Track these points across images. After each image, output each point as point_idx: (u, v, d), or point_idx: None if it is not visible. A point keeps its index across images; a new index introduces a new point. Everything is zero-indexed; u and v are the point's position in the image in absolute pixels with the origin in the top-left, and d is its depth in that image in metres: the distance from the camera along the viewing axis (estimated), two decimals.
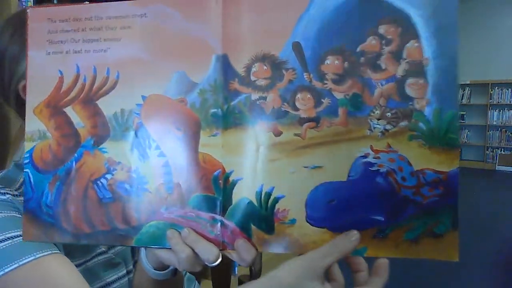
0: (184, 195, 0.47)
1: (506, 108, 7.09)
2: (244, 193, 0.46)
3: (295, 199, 0.45)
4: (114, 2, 0.49)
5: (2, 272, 0.51)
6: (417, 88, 0.43)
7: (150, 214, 0.48)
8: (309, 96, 0.45)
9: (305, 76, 0.45)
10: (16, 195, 0.60)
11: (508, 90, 7.00)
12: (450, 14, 0.43)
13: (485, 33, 6.94)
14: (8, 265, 0.51)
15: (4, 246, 0.53)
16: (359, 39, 0.44)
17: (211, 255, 0.45)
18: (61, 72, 0.50)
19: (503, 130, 7.10)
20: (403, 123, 0.44)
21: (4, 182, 0.62)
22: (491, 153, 7.15)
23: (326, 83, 0.45)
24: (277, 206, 0.46)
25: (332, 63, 0.45)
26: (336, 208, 0.45)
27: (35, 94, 0.50)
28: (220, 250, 0.46)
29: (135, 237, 0.48)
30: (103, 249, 0.66)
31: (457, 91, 0.44)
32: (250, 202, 0.46)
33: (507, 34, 6.82)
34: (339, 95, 0.45)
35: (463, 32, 6.80)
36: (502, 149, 7.04)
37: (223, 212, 0.46)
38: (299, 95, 0.45)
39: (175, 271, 0.60)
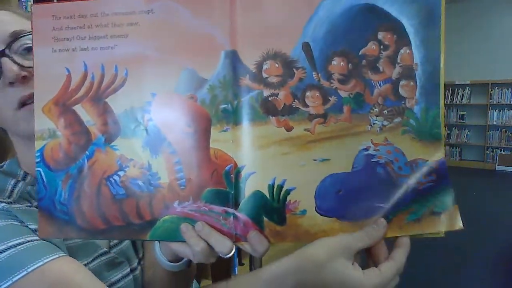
0: (196, 189, 0.48)
1: (506, 108, 7.06)
2: (256, 186, 0.47)
3: (305, 191, 0.47)
4: None
5: (10, 282, 0.49)
6: (408, 89, 0.49)
7: (163, 209, 0.49)
8: (317, 94, 0.48)
9: (314, 75, 0.48)
10: (10, 202, 0.58)
11: (508, 90, 6.97)
12: (434, 26, 0.48)
13: (485, 33, 6.94)
14: (16, 274, 0.49)
15: (8, 255, 0.51)
16: (361, 43, 0.48)
17: (225, 247, 0.47)
18: (68, 70, 0.50)
19: (503, 130, 7.08)
20: (397, 120, 0.49)
21: None
22: (491, 153, 7.13)
23: (333, 83, 0.48)
24: (288, 198, 0.47)
25: (338, 64, 0.48)
26: (343, 198, 0.48)
27: (43, 92, 0.50)
28: (233, 242, 0.48)
29: (149, 231, 0.49)
30: (105, 249, 0.65)
31: (440, 92, 0.49)
32: (262, 195, 0.47)
33: (507, 34, 6.82)
34: (344, 94, 0.48)
35: (463, 33, 6.80)
36: (502, 149, 7.02)
37: (236, 205, 0.48)
38: (308, 93, 0.48)
39: (189, 262, 0.61)
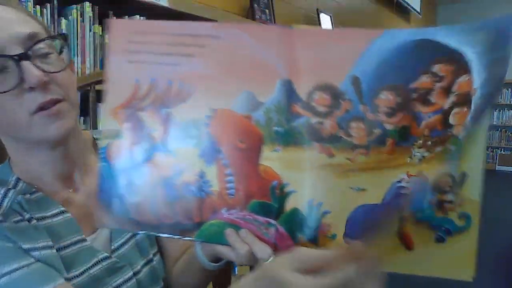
0: (244, 200, 0.53)
1: (506, 108, 7.05)
2: (296, 204, 0.52)
3: (338, 217, 0.51)
4: (193, 22, 0.53)
5: None
6: (459, 116, 0.48)
7: (212, 214, 0.54)
8: (362, 126, 0.50)
9: (360, 108, 0.50)
10: (1, 221, 0.55)
11: (508, 90, 6.96)
12: (505, 48, 0.46)
13: None
14: None
15: (3, 284, 0.50)
16: (412, 77, 0.48)
17: (266, 254, 0.52)
18: (137, 80, 0.54)
19: (503, 130, 7.08)
20: (438, 149, 0.48)
21: None
22: (491, 153, 7.14)
23: (379, 115, 0.49)
24: (322, 220, 0.51)
25: (386, 98, 0.49)
26: (368, 228, 0.49)
27: (113, 97, 0.55)
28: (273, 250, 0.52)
29: (196, 232, 0.55)
30: (106, 254, 0.65)
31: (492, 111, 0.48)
32: (300, 213, 0.52)
33: None
34: (389, 127, 0.49)
35: None
36: (502, 149, 7.04)
37: (276, 218, 0.52)
38: (353, 124, 0.50)
39: (228, 262, 0.65)
